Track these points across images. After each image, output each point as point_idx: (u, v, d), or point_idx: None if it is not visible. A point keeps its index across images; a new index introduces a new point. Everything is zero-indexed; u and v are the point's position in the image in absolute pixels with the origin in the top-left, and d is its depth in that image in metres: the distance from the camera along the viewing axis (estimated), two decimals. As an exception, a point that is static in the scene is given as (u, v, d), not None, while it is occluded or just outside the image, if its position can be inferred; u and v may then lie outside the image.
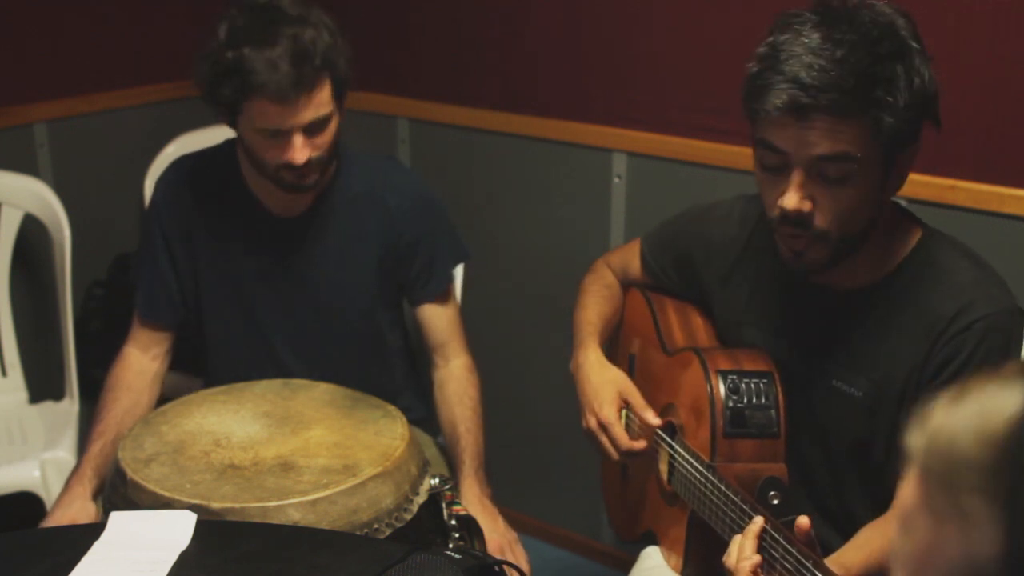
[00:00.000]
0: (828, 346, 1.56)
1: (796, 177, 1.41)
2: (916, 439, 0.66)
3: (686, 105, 2.41)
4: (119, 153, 2.98)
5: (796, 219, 1.43)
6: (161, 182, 2.04)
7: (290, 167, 1.82)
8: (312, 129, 1.81)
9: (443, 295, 2.05)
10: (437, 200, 2.08)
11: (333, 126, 1.85)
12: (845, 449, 1.57)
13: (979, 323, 1.43)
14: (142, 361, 2.02)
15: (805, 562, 1.28)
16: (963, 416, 0.64)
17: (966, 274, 1.48)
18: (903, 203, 1.85)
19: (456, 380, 2.02)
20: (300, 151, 1.81)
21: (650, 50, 2.44)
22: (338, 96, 1.84)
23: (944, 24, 2.01)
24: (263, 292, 2.02)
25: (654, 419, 1.67)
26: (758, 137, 1.45)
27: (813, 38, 1.37)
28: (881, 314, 1.51)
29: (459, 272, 2.33)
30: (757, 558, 1.34)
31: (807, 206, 1.42)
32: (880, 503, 1.52)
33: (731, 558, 1.38)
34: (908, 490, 0.67)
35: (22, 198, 2.63)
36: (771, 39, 1.43)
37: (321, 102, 1.80)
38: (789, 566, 1.31)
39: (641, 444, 1.69)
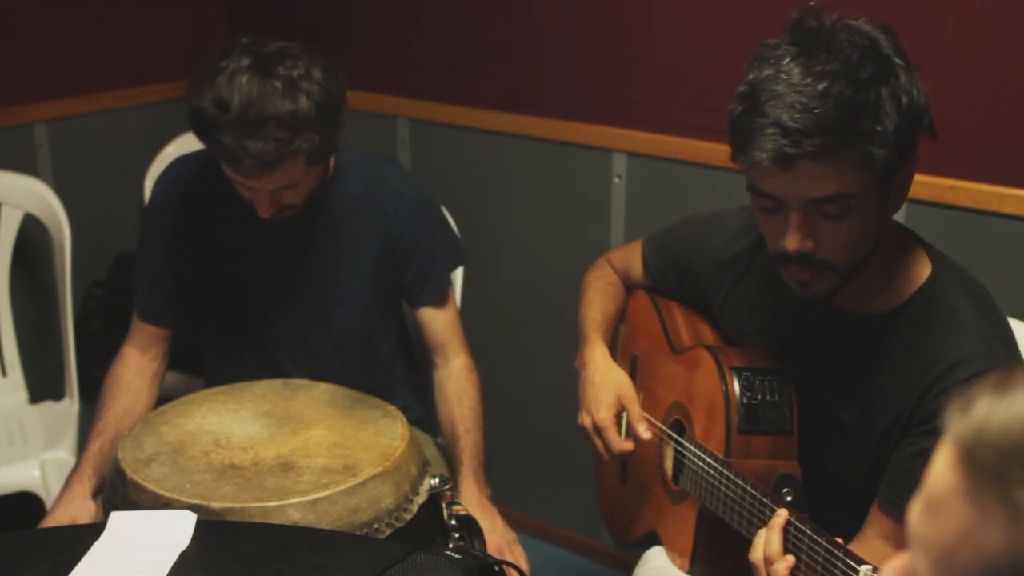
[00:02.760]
0: (826, 368, 1.56)
1: (794, 220, 1.39)
2: (959, 425, 0.64)
3: (686, 105, 2.41)
4: (119, 153, 2.98)
5: (799, 258, 1.41)
6: (159, 183, 2.04)
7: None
8: (278, 191, 1.81)
9: (442, 298, 2.05)
10: (435, 203, 2.08)
11: (305, 185, 1.84)
12: (832, 471, 1.57)
13: (976, 379, 1.40)
14: (141, 361, 2.02)
15: (836, 551, 1.28)
16: (1017, 406, 0.62)
17: (971, 324, 1.44)
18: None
19: (455, 380, 2.02)
20: (266, 209, 1.83)
21: (650, 50, 2.44)
22: (316, 162, 1.82)
23: (944, 25, 2.01)
24: (259, 293, 2.01)
25: (644, 434, 1.68)
26: (749, 183, 1.43)
27: (793, 73, 1.33)
28: (883, 348, 1.49)
29: (459, 272, 2.33)
30: (791, 559, 1.34)
31: (809, 245, 1.39)
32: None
33: (756, 552, 1.39)
34: (943, 474, 0.65)
35: (22, 198, 2.63)
36: (751, 77, 1.38)
37: (289, 176, 1.78)
38: (818, 557, 1.31)
39: (630, 446, 1.70)
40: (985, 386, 0.65)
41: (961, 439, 0.64)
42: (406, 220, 1.99)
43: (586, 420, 1.74)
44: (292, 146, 1.73)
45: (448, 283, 2.08)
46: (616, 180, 2.56)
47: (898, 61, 1.36)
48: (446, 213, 2.14)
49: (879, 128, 1.33)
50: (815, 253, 1.40)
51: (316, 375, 1.95)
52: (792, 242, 1.39)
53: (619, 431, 1.73)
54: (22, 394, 2.68)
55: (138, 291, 2.06)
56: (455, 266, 2.14)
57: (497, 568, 1.44)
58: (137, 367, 2.01)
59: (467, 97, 2.76)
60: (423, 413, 2.14)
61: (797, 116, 1.31)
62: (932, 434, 1.42)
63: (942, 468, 0.65)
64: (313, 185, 1.88)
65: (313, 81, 1.76)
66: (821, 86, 1.32)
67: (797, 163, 1.33)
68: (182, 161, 2.06)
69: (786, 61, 1.35)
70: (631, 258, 1.91)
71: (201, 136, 1.78)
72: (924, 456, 1.42)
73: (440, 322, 2.04)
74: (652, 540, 1.79)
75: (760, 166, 1.36)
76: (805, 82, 1.32)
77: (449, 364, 2.04)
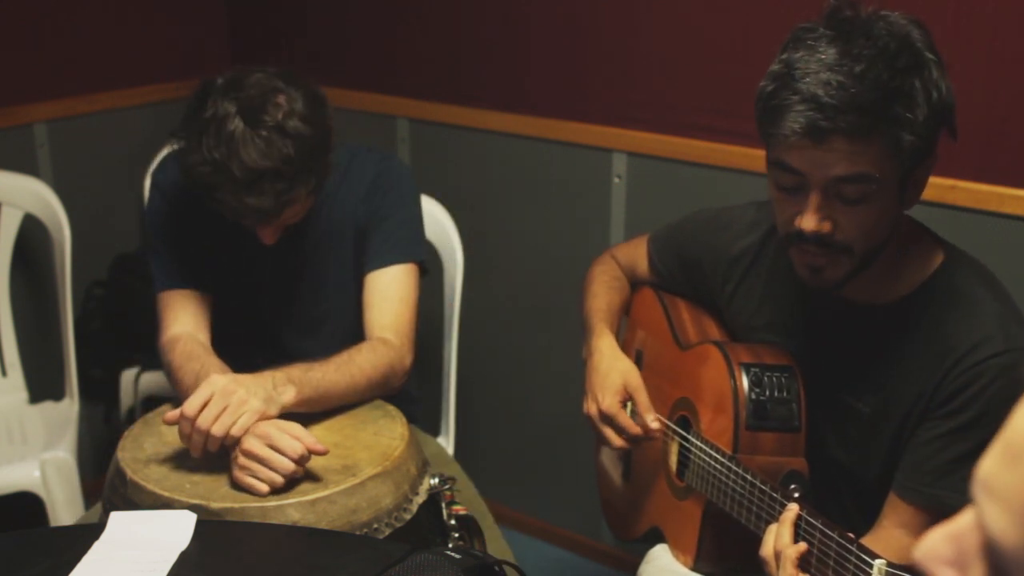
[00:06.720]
0: (839, 358, 1.56)
1: (814, 199, 1.39)
2: None
3: (686, 105, 2.41)
4: (119, 153, 2.98)
5: (815, 239, 1.41)
6: (156, 184, 1.99)
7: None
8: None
9: (386, 272, 1.94)
10: (408, 194, 2.01)
11: (304, 206, 1.84)
12: (843, 462, 1.57)
13: (996, 359, 1.40)
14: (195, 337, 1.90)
15: (849, 546, 1.28)
16: None
17: (987, 306, 1.45)
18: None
19: (369, 343, 1.88)
20: (270, 236, 1.85)
21: (650, 50, 2.45)
22: (316, 192, 1.82)
23: (944, 24, 2.01)
24: (263, 280, 2.00)
25: (653, 423, 1.67)
26: (773, 158, 1.42)
27: (829, 53, 1.35)
28: (896, 334, 1.49)
29: (459, 270, 2.33)
30: (802, 546, 1.35)
31: (826, 227, 1.40)
32: (872, 521, 1.52)
33: (767, 548, 1.39)
34: None
35: (22, 198, 2.63)
36: (784, 56, 1.39)
37: (292, 214, 1.81)
38: (830, 551, 1.31)
39: (639, 429, 1.68)
40: None
41: None
42: (371, 206, 1.96)
43: (591, 407, 1.72)
44: (292, 193, 1.75)
45: (398, 259, 1.96)
46: (616, 180, 2.56)
47: (930, 56, 1.38)
48: (454, 223, 2.12)
49: (910, 116, 1.35)
50: (832, 237, 1.41)
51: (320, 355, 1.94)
52: (809, 223, 1.40)
53: None
54: (22, 394, 2.69)
55: (164, 270, 1.95)
56: (408, 252, 1.99)
57: (497, 568, 1.44)
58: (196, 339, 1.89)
59: (466, 97, 2.76)
60: (418, 414, 2.13)
61: (833, 92, 1.33)
62: (952, 417, 1.43)
63: None
64: (311, 204, 1.88)
65: (298, 117, 1.74)
66: (858, 68, 1.33)
67: (829, 138, 1.34)
68: (173, 158, 2.02)
69: (823, 43, 1.36)
70: (636, 254, 1.91)
71: (199, 186, 1.76)
72: (943, 440, 1.42)
73: (379, 298, 1.93)
74: (654, 537, 1.79)
75: (789, 140, 1.36)
76: (842, 63, 1.34)
77: (372, 337, 1.90)
